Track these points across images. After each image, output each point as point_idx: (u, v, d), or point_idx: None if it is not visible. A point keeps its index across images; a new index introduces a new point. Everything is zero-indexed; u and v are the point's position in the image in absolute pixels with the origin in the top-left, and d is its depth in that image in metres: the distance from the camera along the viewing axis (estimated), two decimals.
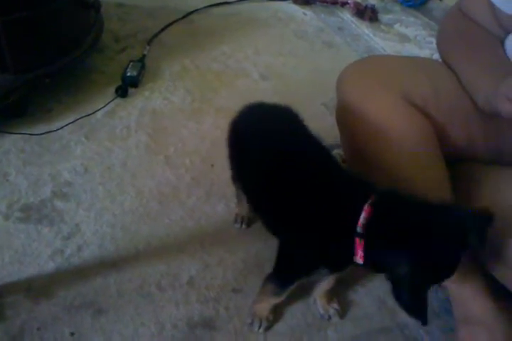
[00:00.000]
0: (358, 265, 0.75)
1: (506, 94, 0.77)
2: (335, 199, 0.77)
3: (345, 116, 1.02)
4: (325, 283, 0.95)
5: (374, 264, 0.74)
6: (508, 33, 0.97)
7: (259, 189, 0.87)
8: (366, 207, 0.72)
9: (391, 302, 0.99)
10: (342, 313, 0.98)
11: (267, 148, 0.86)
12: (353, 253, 0.73)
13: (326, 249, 0.78)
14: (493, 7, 0.96)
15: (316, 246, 0.79)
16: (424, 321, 0.69)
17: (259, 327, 0.94)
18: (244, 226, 1.11)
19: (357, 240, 0.72)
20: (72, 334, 0.91)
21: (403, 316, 0.97)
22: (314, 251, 0.80)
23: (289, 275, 0.89)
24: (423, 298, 0.68)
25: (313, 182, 0.80)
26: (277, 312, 0.96)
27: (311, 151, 0.86)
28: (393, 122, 0.97)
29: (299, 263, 0.85)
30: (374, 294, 1.01)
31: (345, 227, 0.73)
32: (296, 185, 0.80)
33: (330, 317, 0.97)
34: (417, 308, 0.69)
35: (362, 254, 0.72)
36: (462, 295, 0.90)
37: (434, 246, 0.68)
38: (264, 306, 0.94)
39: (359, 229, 0.71)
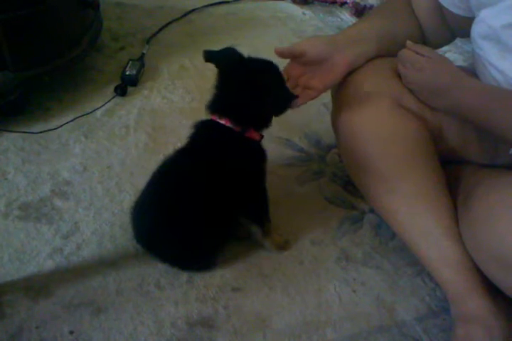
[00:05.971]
0: None
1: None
2: None
3: (340, 119, 1.02)
4: None
5: None
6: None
7: None
8: None
9: (390, 300, 1.00)
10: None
11: None
12: None
13: None
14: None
15: None
16: None
17: None
18: None
19: None
20: (71, 332, 0.91)
21: (402, 315, 0.98)
22: None
23: None
24: None
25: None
26: (275, 310, 0.97)
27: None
28: (388, 126, 0.98)
29: None
30: (372, 293, 1.01)
31: None
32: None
33: None
34: None
35: None
36: (459, 292, 0.91)
37: None
38: None
39: None
